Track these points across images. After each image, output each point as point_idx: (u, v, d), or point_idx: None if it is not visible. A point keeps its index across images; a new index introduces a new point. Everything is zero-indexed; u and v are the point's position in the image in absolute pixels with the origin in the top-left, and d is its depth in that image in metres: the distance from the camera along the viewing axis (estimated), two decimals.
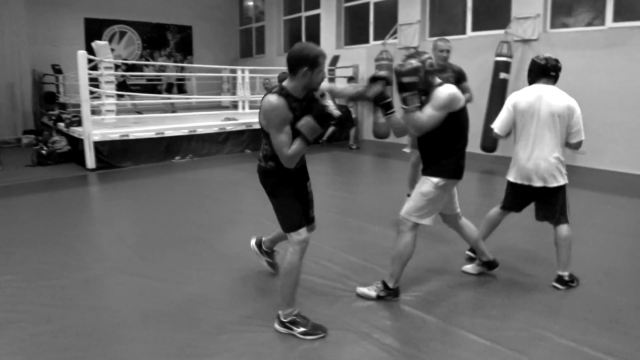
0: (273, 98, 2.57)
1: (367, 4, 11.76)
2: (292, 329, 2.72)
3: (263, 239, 3.51)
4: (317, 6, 13.10)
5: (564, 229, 3.32)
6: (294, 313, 2.75)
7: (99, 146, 7.88)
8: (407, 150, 9.31)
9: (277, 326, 2.77)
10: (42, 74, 12.97)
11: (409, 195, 4.71)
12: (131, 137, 8.24)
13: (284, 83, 2.64)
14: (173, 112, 12.58)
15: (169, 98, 14.31)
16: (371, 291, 3.16)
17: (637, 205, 5.68)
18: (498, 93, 8.22)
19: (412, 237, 3.08)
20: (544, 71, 3.34)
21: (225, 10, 17.04)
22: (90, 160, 7.78)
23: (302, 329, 2.71)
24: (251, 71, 11.17)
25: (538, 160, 3.26)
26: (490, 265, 3.52)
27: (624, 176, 7.13)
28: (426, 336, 2.76)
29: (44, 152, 8.66)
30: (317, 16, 13.14)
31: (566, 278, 3.31)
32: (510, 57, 8.28)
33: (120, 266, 3.84)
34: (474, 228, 3.42)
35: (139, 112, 11.95)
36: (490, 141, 8.30)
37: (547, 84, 3.34)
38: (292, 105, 2.59)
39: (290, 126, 2.59)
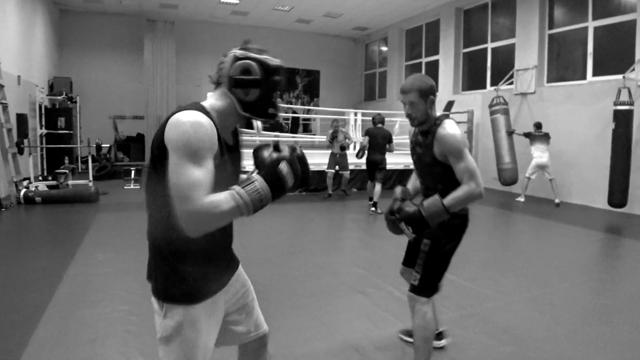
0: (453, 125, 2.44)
1: (484, 50, 11.83)
2: None
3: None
4: (437, 52, 13.42)
5: None
6: None
7: None
8: (521, 199, 9.10)
9: None
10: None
11: None
12: (246, 169, 9.10)
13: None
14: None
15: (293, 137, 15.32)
16: None
17: None
18: (621, 145, 7.77)
19: None
20: None
21: (351, 55, 18.04)
22: None
23: None
24: (364, 114, 11.74)
25: None
26: None
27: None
28: None
29: None
30: (436, 62, 13.44)
31: None
32: (631, 104, 7.80)
33: None
34: None
35: None
36: (618, 197, 7.84)
37: None
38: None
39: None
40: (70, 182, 9.25)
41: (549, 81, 10.08)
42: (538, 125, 8.97)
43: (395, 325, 3.33)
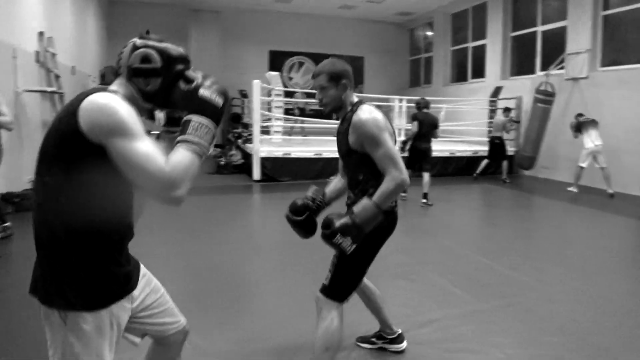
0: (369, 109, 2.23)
1: (534, 33, 11.45)
2: None
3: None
4: (484, 36, 13.09)
5: None
6: None
7: (264, 161, 9.01)
8: (573, 189, 8.76)
9: None
10: (231, 98, 15.01)
11: None
12: (292, 155, 9.24)
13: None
14: None
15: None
16: None
17: None
18: None
19: None
20: None
21: (396, 41, 17.81)
22: (256, 173, 8.95)
23: None
24: (409, 101, 11.58)
25: None
26: None
27: None
28: None
29: (222, 163, 10.20)
30: (483, 46, 13.12)
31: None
32: None
33: (244, 247, 4.58)
34: None
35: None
36: None
37: None
38: None
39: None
40: None
41: (602, 65, 9.69)
42: (581, 115, 8.70)
43: (436, 312, 3.35)
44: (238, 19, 15.59)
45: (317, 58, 16.91)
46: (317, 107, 11.83)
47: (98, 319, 1.42)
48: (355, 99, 2.32)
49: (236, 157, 10.33)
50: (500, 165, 10.10)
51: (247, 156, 9.96)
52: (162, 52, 1.49)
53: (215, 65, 14.48)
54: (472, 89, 13.56)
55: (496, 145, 9.83)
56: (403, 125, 11.03)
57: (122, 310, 1.52)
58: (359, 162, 2.24)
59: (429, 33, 16.45)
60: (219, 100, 1.46)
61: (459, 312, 3.37)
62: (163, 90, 1.50)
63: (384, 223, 2.21)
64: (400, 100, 11.51)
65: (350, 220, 2.06)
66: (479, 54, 13.45)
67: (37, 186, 1.43)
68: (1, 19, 6.35)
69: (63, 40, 9.24)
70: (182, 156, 1.37)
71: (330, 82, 2.25)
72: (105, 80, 12.81)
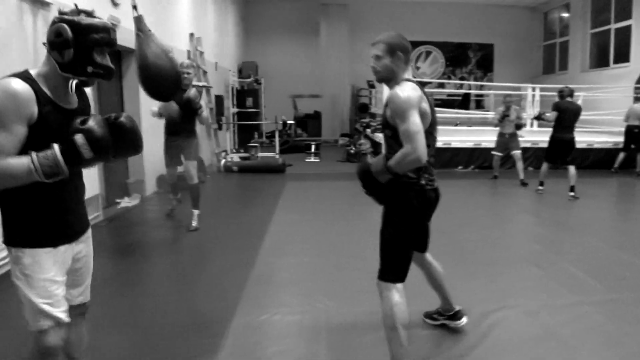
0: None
1: None
2: None
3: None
4: (629, 16, 12.09)
5: None
6: None
7: None
8: None
9: None
10: (358, 88, 15.50)
11: None
12: None
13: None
14: (456, 125, 13.29)
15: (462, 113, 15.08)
16: None
17: None
18: None
19: None
20: None
21: (528, 25, 16.98)
22: None
23: None
24: (543, 89, 11.08)
25: None
26: None
27: None
28: None
29: (351, 151, 10.71)
30: (628, 27, 12.13)
31: None
32: None
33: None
34: None
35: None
36: None
37: None
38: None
39: None
40: (260, 154, 10.46)
41: None
42: None
43: (568, 298, 3.44)
44: (365, 10, 15.89)
45: (444, 47, 16.76)
46: (443, 97, 11.73)
47: (35, 255, 1.70)
48: (406, 76, 2.37)
49: (365, 146, 10.71)
50: (635, 157, 9.27)
51: (376, 145, 10.29)
52: (72, 25, 1.61)
53: (343, 56, 15.00)
54: (614, 75, 12.61)
55: (635, 134, 9.04)
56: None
57: (61, 256, 1.77)
58: (392, 138, 2.34)
59: (565, 15, 15.50)
60: (85, 154, 1.61)
61: (592, 300, 3.42)
62: (77, 60, 1.63)
63: (413, 202, 2.35)
64: (533, 89, 11.06)
65: (366, 164, 2.46)
66: (623, 37, 12.44)
67: None
68: (161, 23, 7.30)
69: (208, 39, 10.26)
70: (18, 165, 1.55)
71: (386, 53, 2.33)
72: (242, 75, 13.90)
